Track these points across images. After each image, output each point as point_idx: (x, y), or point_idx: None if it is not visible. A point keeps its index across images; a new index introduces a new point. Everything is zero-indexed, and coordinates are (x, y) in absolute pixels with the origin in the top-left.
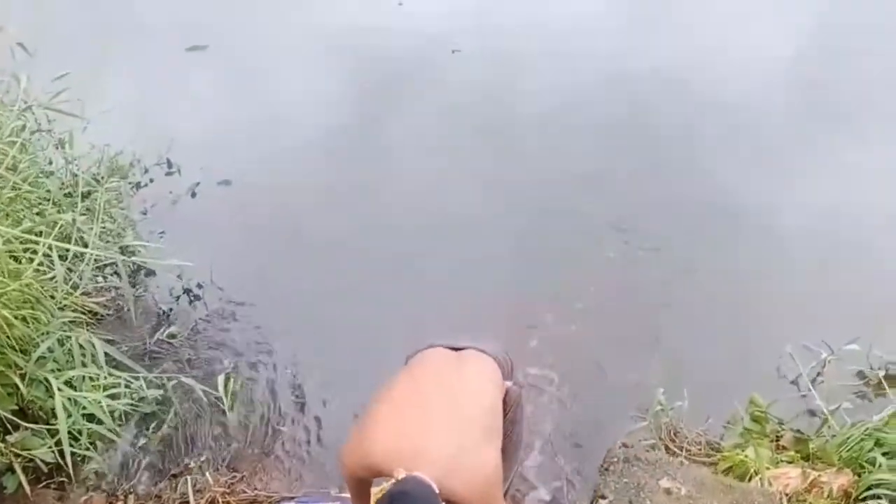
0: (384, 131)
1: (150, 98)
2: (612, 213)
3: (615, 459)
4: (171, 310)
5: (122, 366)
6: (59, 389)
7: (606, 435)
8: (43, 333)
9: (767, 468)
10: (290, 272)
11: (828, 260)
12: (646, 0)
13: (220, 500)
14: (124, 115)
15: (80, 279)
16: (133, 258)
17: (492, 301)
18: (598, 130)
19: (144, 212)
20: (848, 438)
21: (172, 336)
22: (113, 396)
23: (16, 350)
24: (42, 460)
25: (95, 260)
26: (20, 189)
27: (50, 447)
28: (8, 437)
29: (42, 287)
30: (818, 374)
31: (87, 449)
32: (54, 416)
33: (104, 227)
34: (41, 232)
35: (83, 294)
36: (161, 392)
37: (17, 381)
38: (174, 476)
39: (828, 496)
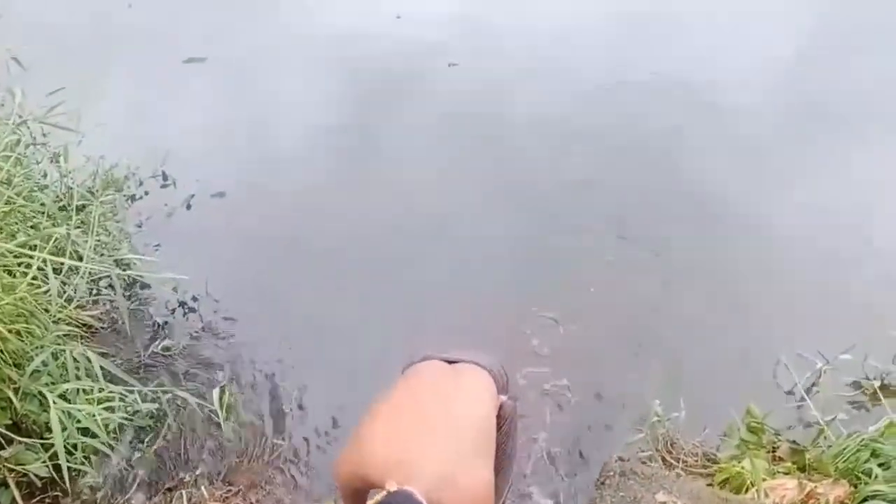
0: (381, 142)
1: (146, 110)
2: (611, 220)
3: (611, 473)
4: (165, 322)
5: (116, 379)
6: (54, 403)
7: (603, 446)
8: (37, 347)
9: (764, 480)
10: (286, 284)
11: (822, 269)
12: (640, 9)
13: None
14: (120, 128)
15: (75, 292)
16: (128, 272)
17: (489, 311)
18: (596, 137)
19: (139, 224)
20: (844, 449)
21: (167, 349)
22: (108, 410)
23: (9, 364)
24: (36, 475)
25: (90, 273)
26: (14, 203)
27: (44, 461)
28: (1, 452)
29: (36, 301)
30: (813, 383)
31: (82, 463)
32: (48, 430)
33: (99, 240)
34: (35, 245)
35: (78, 307)
36: (156, 405)
37: (11, 395)
38: (169, 490)
39: None
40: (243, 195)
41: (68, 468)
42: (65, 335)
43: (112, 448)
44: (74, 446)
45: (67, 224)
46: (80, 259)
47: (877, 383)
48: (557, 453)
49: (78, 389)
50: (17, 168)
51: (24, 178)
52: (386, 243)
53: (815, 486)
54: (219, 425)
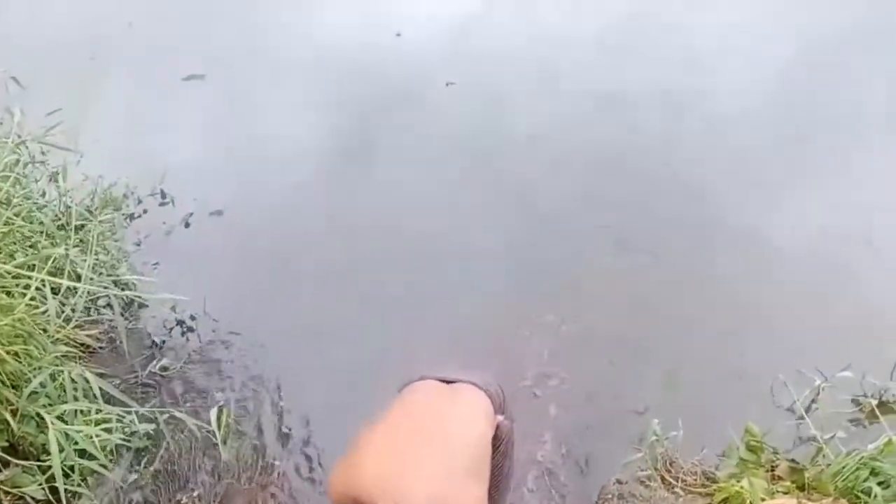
0: (379, 158)
1: (145, 128)
2: (609, 232)
3: (609, 496)
4: (163, 342)
5: (114, 399)
6: (52, 424)
7: (601, 467)
8: (35, 368)
9: (763, 499)
10: (284, 302)
11: (821, 284)
12: (635, 24)
13: None
14: (119, 146)
15: (73, 312)
16: (126, 292)
17: (487, 326)
18: (594, 150)
19: (138, 243)
20: (843, 468)
21: (165, 369)
22: (105, 431)
23: (7, 386)
24: (32, 497)
25: (88, 293)
26: (13, 223)
27: (40, 484)
28: None
29: (35, 321)
30: (812, 401)
31: (79, 485)
32: (45, 451)
33: (97, 259)
34: (34, 266)
35: (76, 327)
36: (153, 426)
37: (9, 417)
38: None
39: None
40: (241, 213)
41: (66, 490)
42: (63, 356)
43: (109, 470)
44: (71, 468)
45: (66, 243)
46: (79, 278)
47: (874, 402)
48: (553, 476)
49: (76, 410)
50: (16, 188)
51: (23, 198)
52: (387, 259)
53: None
54: (216, 446)
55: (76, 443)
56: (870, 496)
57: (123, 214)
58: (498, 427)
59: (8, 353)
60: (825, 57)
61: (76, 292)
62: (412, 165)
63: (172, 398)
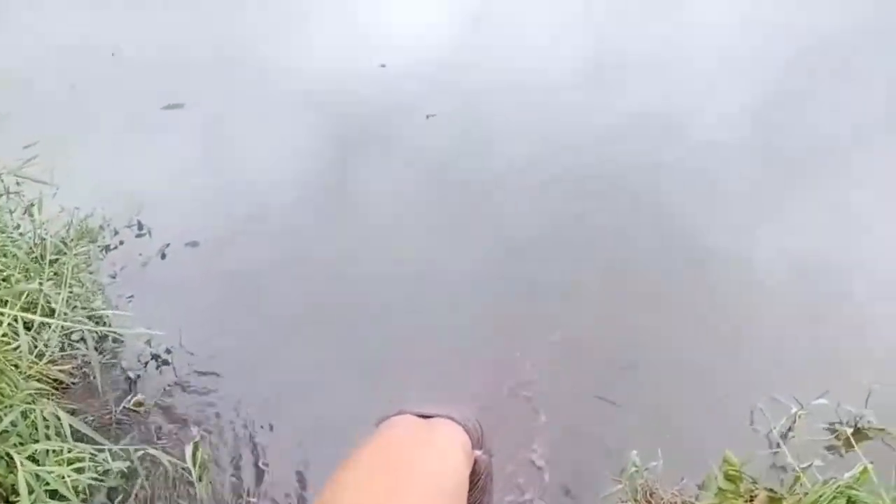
0: (359, 191)
1: (123, 158)
2: (598, 261)
3: None
4: (138, 376)
5: (87, 437)
6: (22, 465)
7: (582, 500)
8: (6, 406)
9: None
10: (260, 336)
11: (797, 312)
12: (616, 57)
13: None
14: (96, 177)
15: (46, 347)
16: (100, 328)
17: (466, 360)
18: (577, 179)
19: (114, 275)
20: (820, 497)
21: (139, 404)
22: (78, 470)
23: None
24: None
25: (62, 327)
26: None
27: None
28: None
29: (6, 358)
30: (789, 428)
31: None
32: (15, 493)
33: (72, 293)
34: (6, 301)
35: (49, 362)
36: (127, 464)
37: None
38: None
39: None
40: (218, 244)
41: None
42: (35, 392)
43: None
44: None
45: (40, 277)
46: (53, 312)
47: (849, 429)
48: None
49: (47, 450)
50: None
51: None
52: (366, 292)
53: None
54: (192, 483)
55: (47, 483)
56: None
57: (99, 246)
58: (476, 462)
59: None
60: (814, 82)
61: (50, 327)
62: (394, 197)
63: (147, 434)
